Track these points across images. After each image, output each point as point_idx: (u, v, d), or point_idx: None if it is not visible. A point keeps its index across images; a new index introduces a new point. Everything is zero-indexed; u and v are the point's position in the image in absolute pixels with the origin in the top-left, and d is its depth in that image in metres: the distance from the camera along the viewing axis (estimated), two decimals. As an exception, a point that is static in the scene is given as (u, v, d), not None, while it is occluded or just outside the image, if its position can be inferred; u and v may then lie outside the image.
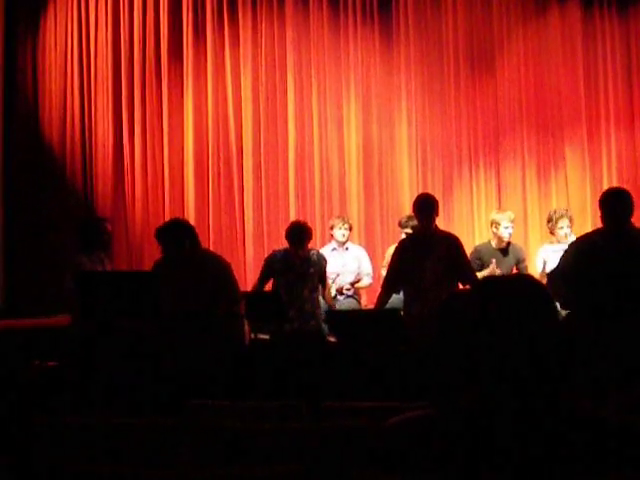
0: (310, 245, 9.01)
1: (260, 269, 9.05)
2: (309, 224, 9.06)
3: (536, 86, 11.56)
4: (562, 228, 9.06)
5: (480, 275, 8.26)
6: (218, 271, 7.51)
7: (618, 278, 6.16)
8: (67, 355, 5.83)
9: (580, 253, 6.51)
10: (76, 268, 8.31)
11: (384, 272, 8.79)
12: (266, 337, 8.03)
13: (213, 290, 7.35)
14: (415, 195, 9.04)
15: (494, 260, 8.84)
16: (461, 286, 7.76)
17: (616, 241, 6.35)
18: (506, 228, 9.15)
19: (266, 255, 9.36)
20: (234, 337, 7.43)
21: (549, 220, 9.31)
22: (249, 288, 10.70)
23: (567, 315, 6.47)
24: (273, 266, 8.70)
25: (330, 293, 9.09)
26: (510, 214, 9.35)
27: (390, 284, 8.00)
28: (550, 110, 11.55)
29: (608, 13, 11.61)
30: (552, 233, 9.23)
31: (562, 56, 11.54)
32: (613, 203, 6.46)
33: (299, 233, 8.61)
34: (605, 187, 10.59)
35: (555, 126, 11.55)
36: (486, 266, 8.95)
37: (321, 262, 8.78)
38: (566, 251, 6.81)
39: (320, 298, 8.85)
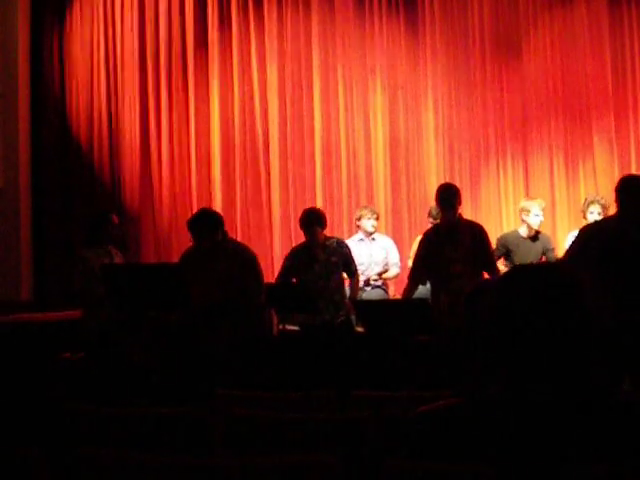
0: (338, 235, 8.99)
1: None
2: (324, 211, 8.88)
3: (563, 74, 11.49)
4: (592, 213, 9.12)
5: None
6: (245, 262, 7.51)
7: (625, 263, 6.21)
8: (87, 347, 5.87)
9: (588, 237, 6.57)
10: (80, 263, 8.27)
11: (411, 263, 8.78)
12: (295, 328, 8.03)
13: (240, 281, 7.35)
14: (442, 184, 9.02)
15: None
16: (486, 275, 7.75)
17: (631, 226, 6.39)
18: (536, 216, 9.14)
19: (293, 246, 9.31)
20: (261, 328, 7.43)
21: (583, 204, 9.39)
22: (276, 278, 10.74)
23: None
24: (295, 261, 8.52)
25: (358, 285, 8.84)
26: (541, 202, 9.36)
27: (416, 275, 7.98)
28: (577, 98, 11.48)
29: (635, 0, 11.52)
30: (584, 218, 9.27)
31: (589, 43, 11.46)
32: (624, 189, 6.52)
33: (306, 217, 8.43)
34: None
35: (583, 114, 11.48)
36: (512, 254, 8.99)
37: (342, 250, 8.49)
38: (576, 237, 6.84)
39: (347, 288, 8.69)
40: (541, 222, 9.23)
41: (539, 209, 9.18)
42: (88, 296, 8.18)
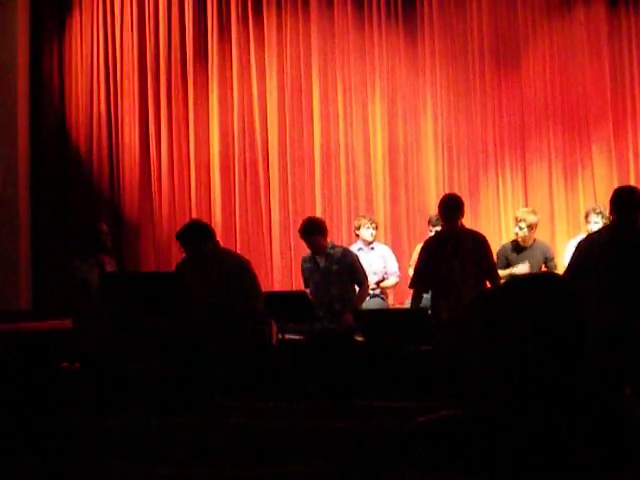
0: (340, 245, 9.03)
1: (286, 268, 8.97)
2: (324, 219, 8.93)
3: (562, 83, 11.50)
4: (590, 223, 9.17)
5: (503, 274, 8.30)
6: (237, 269, 7.46)
7: (620, 271, 6.30)
8: (82, 357, 5.86)
9: (585, 248, 6.69)
10: (71, 272, 8.27)
11: (411, 271, 8.76)
12: (294, 337, 8.02)
13: (233, 289, 7.31)
14: (441, 193, 9.04)
15: (523, 265, 8.86)
16: (488, 284, 7.73)
17: (622, 236, 6.49)
18: (521, 229, 9.15)
19: (292, 255, 9.34)
20: (260, 336, 7.41)
21: (585, 216, 9.55)
22: (275, 287, 10.73)
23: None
24: (303, 267, 8.68)
25: (364, 295, 8.71)
26: (527, 216, 9.27)
27: (419, 283, 7.97)
28: (576, 107, 11.49)
29: (634, 9, 11.53)
30: (587, 229, 9.34)
31: (588, 52, 11.47)
32: (620, 200, 6.59)
33: (304, 227, 8.46)
34: (632, 183, 10.57)
35: (581, 123, 11.49)
36: (512, 264, 8.99)
37: (346, 259, 8.49)
38: (573, 251, 6.94)
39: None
40: (525, 235, 9.18)
41: (525, 225, 9.16)
42: (75, 306, 8.20)
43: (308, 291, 8.53)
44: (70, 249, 10.92)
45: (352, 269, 8.49)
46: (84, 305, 8.04)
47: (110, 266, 8.39)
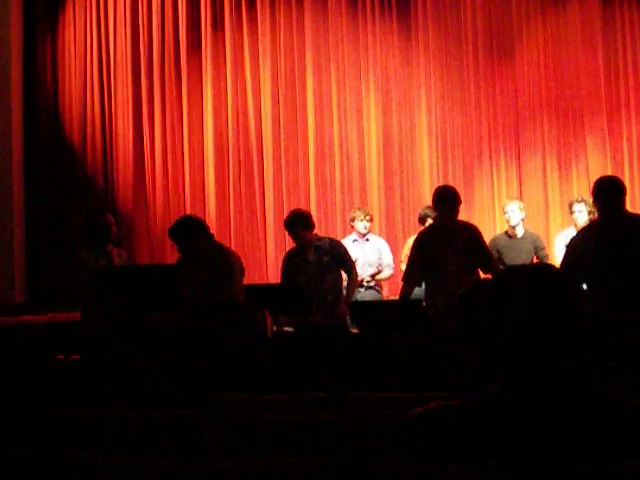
0: (331, 236, 8.98)
1: (281, 261, 8.91)
2: (309, 211, 8.88)
3: (556, 74, 11.51)
4: (574, 212, 9.14)
5: None
6: (227, 263, 7.46)
7: (616, 261, 6.29)
8: (84, 350, 5.85)
9: (580, 242, 6.66)
10: (79, 264, 8.23)
11: (404, 266, 8.73)
12: (289, 330, 8.01)
13: (225, 282, 7.32)
14: (436, 185, 9.04)
15: None
16: (482, 275, 7.72)
17: (611, 227, 6.47)
18: (512, 212, 9.25)
19: (287, 248, 9.32)
20: (255, 329, 7.40)
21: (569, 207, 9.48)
22: (270, 280, 10.73)
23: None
24: (291, 262, 8.54)
25: (355, 284, 8.64)
26: (511, 200, 9.49)
27: (411, 276, 7.95)
28: (570, 98, 11.49)
29: (627, 1, 11.52)
30: (574, 221, 9.33)
31: (582, 44, 11.48)
32: (602, 192, 6.56)
33: (289, 221, 8.40)
34: (627, 174, 10.61)
35: (575, 114, 11.49)
36: (503, 256, 9.03)
37: (335, 249, 8.40)
38: (568, 243, 6.91)
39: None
40: (517, 219, 9.29)
41: (516, 207, 9.28)
42: (81, 297, 8.17)
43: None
44: (69, 242, 10.94)
45: (343, 258, 8.40)
46: (89, 296, 8.00)
47: (119, 258, 8.33)
